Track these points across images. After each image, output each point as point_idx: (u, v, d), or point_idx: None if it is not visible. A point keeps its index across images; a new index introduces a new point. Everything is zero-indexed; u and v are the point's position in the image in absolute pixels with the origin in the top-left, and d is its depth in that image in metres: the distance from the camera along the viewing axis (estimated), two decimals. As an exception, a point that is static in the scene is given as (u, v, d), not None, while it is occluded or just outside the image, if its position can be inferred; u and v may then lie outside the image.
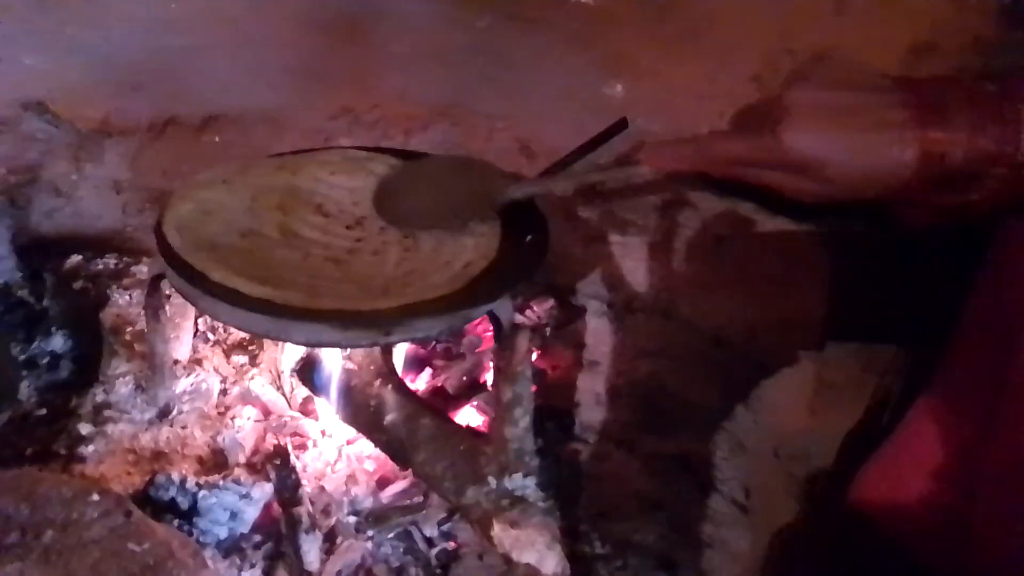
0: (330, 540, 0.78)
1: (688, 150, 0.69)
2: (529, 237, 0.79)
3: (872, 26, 0.82)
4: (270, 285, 0.68)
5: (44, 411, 0.83)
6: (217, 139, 1.09)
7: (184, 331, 0.87)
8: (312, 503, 0.79)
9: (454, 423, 0.83)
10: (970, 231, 0.69)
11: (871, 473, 0.81)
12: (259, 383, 0.89)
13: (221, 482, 0.75)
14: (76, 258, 0.98)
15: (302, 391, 0.90)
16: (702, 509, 0.85)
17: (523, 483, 0.73)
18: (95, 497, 0.66)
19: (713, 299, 1.05)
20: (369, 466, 0.84)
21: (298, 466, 0.81)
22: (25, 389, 0.83)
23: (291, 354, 0.91)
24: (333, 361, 0.85)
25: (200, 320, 0.91)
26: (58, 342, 0.91)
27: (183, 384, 0.86)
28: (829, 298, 1.00)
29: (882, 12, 0.80)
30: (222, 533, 0.75)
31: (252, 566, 0.74)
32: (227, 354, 0.92)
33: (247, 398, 0.88)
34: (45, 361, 0.90)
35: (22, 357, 0.89)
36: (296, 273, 0.73)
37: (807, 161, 0.59)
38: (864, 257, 0.98)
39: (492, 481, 0.73)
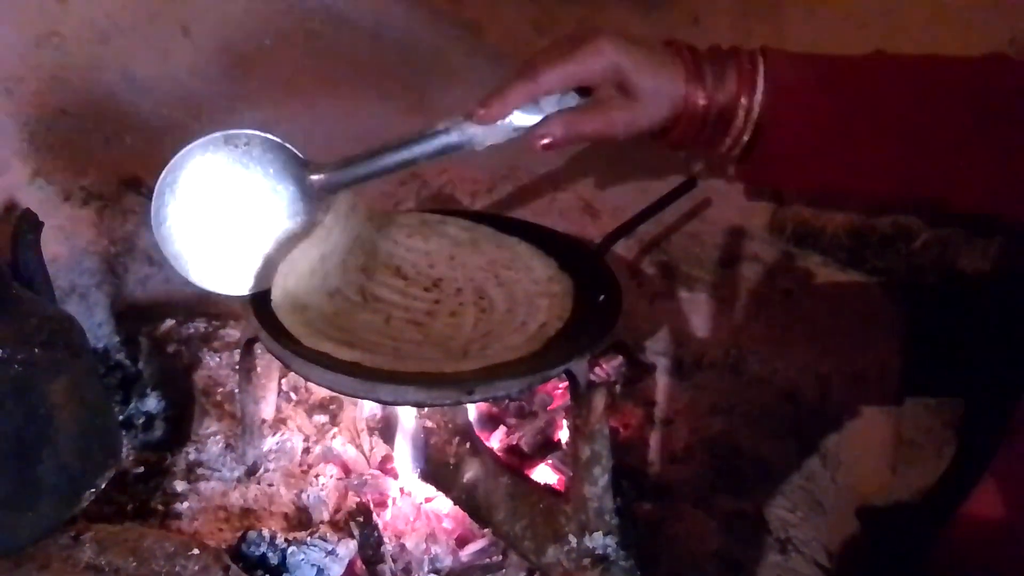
0: (412, 598, 0.79)
1: (518, 86, 0.69)
2: (602, 297, 0.81)
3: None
4: (358, 348, 0.72)
5: (141, 469, 0.87)
6: (294, 206, 1.15)
7: (270, 391, 0.91)
8: (394, 561, 0.80)
9: (532, 482, 0.84)
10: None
11: (954, 534, 0.79)
12: (340, 442, 0.92)
13: (308, 539, 0.77)
14: (169, 322, 1.04)
15: (380, 449, 0.92)
16: (784, 571, 0.83)
17: (604, 542, 0.73)
18: (195, 552, 0.70)
19: (783, 354, 1.04)
20: (448, 524, 0.85)
21: (379, 524, 0.82)
22: (123, 448, 0.88)
23: (369, 413, 0.94)
24: (412, 420, 0.88)
25: (283, 380, 0.95)
26: (152, 403, 0.96)
27: (269, 443, 0.89)
28: (905, 351, 0.99)
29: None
30: (310, 589, 0.77)
31: (338, 622, 0.76)
32: (309, 413, 0.95)
33: (329, 456, 0.91)
34: (140, 421, 0.95)
35: (120, 417, 0.94)
36: (380, 336, 0.77)
37: (616, 66, 0.67)
38: (940, 309, 0.97)
39: (572, 540, 0.74)
